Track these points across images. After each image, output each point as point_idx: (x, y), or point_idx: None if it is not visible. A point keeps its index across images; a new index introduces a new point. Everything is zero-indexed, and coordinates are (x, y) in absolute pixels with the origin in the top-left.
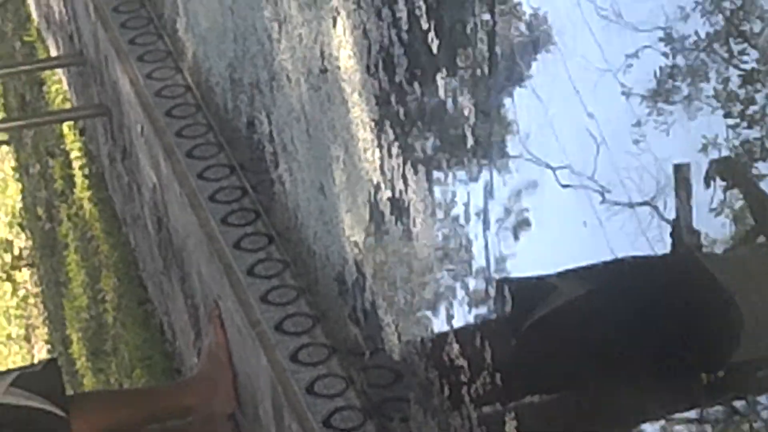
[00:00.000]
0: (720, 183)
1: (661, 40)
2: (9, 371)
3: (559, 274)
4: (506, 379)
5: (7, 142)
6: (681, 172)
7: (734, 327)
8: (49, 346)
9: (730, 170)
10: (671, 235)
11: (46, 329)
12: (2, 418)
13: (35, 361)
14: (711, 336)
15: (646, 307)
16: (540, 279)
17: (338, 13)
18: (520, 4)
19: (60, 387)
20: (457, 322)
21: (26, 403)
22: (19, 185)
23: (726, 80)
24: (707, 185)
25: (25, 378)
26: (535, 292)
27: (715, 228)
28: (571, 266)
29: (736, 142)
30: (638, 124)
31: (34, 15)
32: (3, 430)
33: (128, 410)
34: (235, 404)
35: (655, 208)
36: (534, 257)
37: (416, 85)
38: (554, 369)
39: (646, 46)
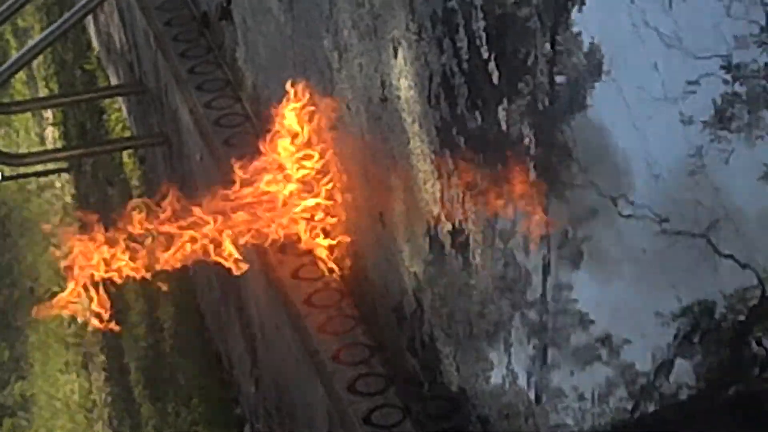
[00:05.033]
0: None
1: (722, 68)
2: None
3: None
4: None
5: (67, 171)
6: None
7: None
8: (106, 374)
9: None
10: None
11: (103, 357)
12: None
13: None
14: None
15: None
16: None
17: (399, 44)
18: (580, 33)
19: None
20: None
21: None
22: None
23: None
24: None
25: None
26: None
27: None
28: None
29: None
30: (697, 153)
31: (95, 43)
32: None
33: None
34: None
35: (709, 240)
36: (593, 284)
37: (477, 114)
38: None
39: (708, 74)
